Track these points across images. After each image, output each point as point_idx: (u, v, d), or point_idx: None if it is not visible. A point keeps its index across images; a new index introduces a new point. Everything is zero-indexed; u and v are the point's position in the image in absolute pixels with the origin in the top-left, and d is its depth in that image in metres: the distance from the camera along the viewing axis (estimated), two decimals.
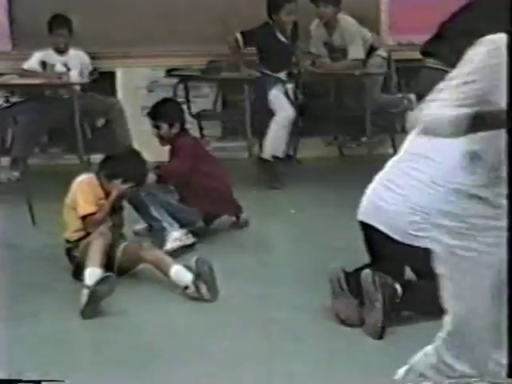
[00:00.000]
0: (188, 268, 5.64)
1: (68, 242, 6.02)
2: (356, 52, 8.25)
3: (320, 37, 8.39)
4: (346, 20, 8.32)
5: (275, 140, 7.99)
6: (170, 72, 8.75)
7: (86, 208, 5.91)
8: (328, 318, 5.23)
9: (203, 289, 5.54)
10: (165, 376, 4.59)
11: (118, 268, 5.80)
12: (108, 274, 5.48)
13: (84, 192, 5.95)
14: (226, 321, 5.29)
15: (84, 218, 5.92)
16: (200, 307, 5.50)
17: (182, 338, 5.12)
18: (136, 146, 8.67)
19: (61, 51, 8.14)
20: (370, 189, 5.03)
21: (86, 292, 5.38)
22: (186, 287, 5.59)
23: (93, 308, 5.36)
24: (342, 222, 7.01)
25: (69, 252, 6.00)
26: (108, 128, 8.30)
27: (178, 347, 4.99)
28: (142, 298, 5.65)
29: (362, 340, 4.97)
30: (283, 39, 8.33)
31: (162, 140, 6.89)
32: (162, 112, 6.93)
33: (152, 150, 8.02)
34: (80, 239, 5.91)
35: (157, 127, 6.84)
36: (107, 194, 5.95)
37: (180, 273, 5.64)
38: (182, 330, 5.26)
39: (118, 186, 5.89)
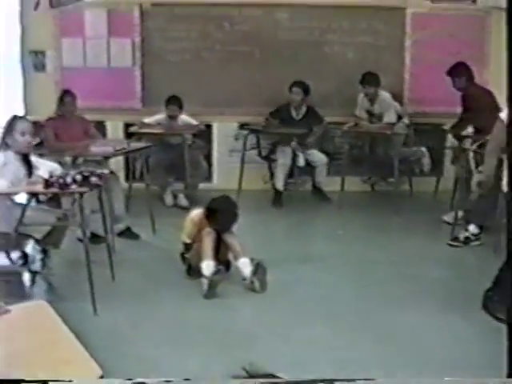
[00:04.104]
0: (252, 261, 5.49)
1: (183, 244, 5.83)
2: (389, 118, 8.17)
3: (364, 106, 8.33)
4: (384, 95, 8.27)
5: None
6: (242, 126, 8.68)
7: (184, 238, 5.80)
8: (372, 312, 5.08)
9: (256, 283, 5.40)
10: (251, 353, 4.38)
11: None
12: (219, 267, 5.39)
13: (186, 226, 5.81)
14: (300, 313, 5.08)
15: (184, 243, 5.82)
16: (280, 302, 5.30)
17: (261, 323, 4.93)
18: (223, 178, 8.69)
19: (172, 117, 8.01)
20: None
21: (205, 281, 5.29)
22: (245, 278, 5.45)
23: (212, 292, 5.26)
24: (377, 241, 6.89)
25: (182, 255, 5.85)
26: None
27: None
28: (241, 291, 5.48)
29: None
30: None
31: None
32: None
33: (234, 181, 8.05)
34: (191, 244, 5.75)
35: None
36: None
37: (244, 264, 5.48)
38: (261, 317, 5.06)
39: (207, 230, 5.61)
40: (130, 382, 2.59)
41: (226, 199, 5.76)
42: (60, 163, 5.85)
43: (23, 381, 2.13)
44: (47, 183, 4.83)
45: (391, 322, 4.92)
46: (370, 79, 8.11)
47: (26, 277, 5.35)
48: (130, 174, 7.96)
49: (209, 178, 8.73)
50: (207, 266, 5.34)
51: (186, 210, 7.54)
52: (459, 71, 7.61)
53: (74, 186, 4.81)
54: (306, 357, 4.38)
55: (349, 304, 5.24)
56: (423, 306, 5.21)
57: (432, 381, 3.75)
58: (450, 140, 8.46)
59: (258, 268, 5.41)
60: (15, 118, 5.32)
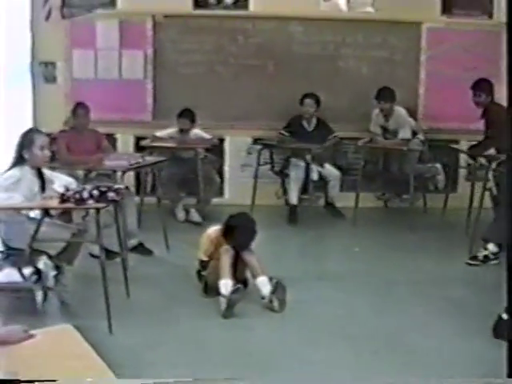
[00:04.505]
0: (271, 280, 5.32)
1: (200, 261, 5.67)
2: (405, 134, 8.07)
3: (378, 121, 8.23)
4: (400, 110, 8.16)
5: None
6: (256, 141, 8.59)
7: (200, 255, 5.65)
8: (392, 333, 4.93)
9: (275, 302, 5.24)
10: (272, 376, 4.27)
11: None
12: (238, 285, 5.21)
13: (203, 243, 5.65)
14: (318, 334, 4.92)
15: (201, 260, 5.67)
16: (298, 322, 5.13)
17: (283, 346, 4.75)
18: (234, 193, 8.57)
19: (185, 131, 7.88)
20: None
21: (223, 300, 5.13)
22: (263, 297, 5.28)
23: (230, 312, 5.10)
24: (394, 259, 6.75)
25: (198, 272, 5.70)
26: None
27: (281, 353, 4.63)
28: (259, 310, 5.30)
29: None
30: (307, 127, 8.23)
31: None
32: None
33: (246, 197, 7.96)
34: (208, 261, 5.60)
35: None
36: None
37: (263, 283, 5.31)
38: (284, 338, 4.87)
39: (225, 247, 5.43)
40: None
41: (244, 216, 5.62)
42: (71, 177, 5.72)
43: (23, 381, 2.09)
44: (63, 198, 4.70)
45: (413, 344, 4.76)
46: (385, 94, 8.01)
47: (39, 294, 5.23)
48: (141, 188, 7.82)
49: (220, 192, 8.59)
50: (225, 285, 5.20)
51: (199, 225, 7.48)
52: (483, 87, 7.49)
53: (90, 202, 4.68)
54: (326, 379, 4.25)
55: (369, 325, 5.09)
56: (445, 328, 5.05)
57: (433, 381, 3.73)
58: (464, 156, 8.37)
59: (278, 287, 5.26)
60: (32, 131, 5.21)
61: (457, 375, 4.30)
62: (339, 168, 8.25)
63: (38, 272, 5.18)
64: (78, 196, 4.66)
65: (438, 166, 8.37)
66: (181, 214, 7.94)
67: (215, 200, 8.14)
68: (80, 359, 2.42)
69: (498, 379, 2.60)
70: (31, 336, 2.65)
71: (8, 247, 4.97)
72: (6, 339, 2.59)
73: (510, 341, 2.28)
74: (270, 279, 5.33)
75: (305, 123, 8.17)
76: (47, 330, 2.71)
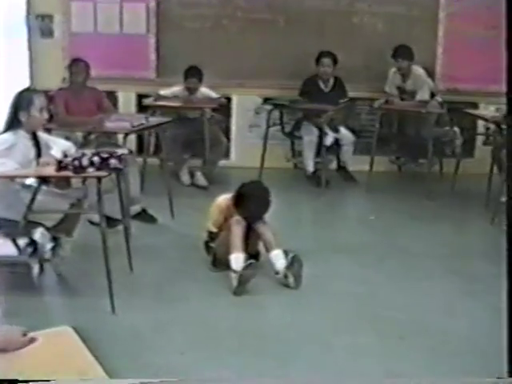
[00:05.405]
0: (286, 253, 4.91)
1: (208, 233, 5.25)
2: (423, 95, 7.60)
3: (395, 81, 7.76)
4: (418, 70, 7.70)
5: None
6: (266, 100, 8.09)
7: (210, 227, 5.23)
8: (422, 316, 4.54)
9: (290, 278, 4.82)
10: (290, 363, 3.87)
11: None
12: (251, 260, 4.80)
13: (213, 213, 5.21)
14: (337, 313, 4.52)
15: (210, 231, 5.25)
16: (315, 300, 4.72)
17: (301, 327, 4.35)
18: (241, 155, 8.14)
19: (191, 90, 7.39)
20: None
21: (234, 276, 4.73)
22: (278, 272, 4.88)
23: (242, 288, 4.70)
24: (412, 228, 6.35)
25: (206, 244, 5.28)
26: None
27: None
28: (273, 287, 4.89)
29: None
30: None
31: None
32: None
33: (254, 159, 7.49)
34: (217, 233, 5.18)
35: None
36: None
37: (278, 257, 4.90)
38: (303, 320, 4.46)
39: (236, 218, 4.99)
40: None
41: (257, 184, 5.20)
42: (67, 138, 5.29)
43: (22, 381, 1.92)
44: (60, 165, 4.26)
45: (444, 326, 4.38)
46: (403, 52, 7.53)
47: (35, 267, 4.83)
48: (143, 150, 7.37)
49: (227, 154, 8.15)
50: (236, 260, 4.78)
51: (205, 189, 7.10)
52: None
53: (90, 170, 4.24)
54: (350, 367, 3.86)
55: (394, 304, 4.69)
56: (478, 308, 4.65)
57: (433, 380, 3.44)
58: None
59: (294, 261, 4.84)
60: (30, 91, 4.75)
61: (489, 363, 3.91)
62: (352, 130, 7.79)
63: (33, 243, 4.77)
64: (76, 163, 4.22)
65: (456, 129, 7.89)
66: (185, 177, 7.50)
67: (221, 162, 7.72)
68: (79, 373, 2.01)
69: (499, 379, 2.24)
70: (32, 340, 2.23)
71: (0, 218, 4.54)
72: (5, 347, 2.17)
73: (510, 340, 1.94)
74: (285, 253, 4.91)
75: (321, 84, 7.68)
76: (43, 333, 2.28)
